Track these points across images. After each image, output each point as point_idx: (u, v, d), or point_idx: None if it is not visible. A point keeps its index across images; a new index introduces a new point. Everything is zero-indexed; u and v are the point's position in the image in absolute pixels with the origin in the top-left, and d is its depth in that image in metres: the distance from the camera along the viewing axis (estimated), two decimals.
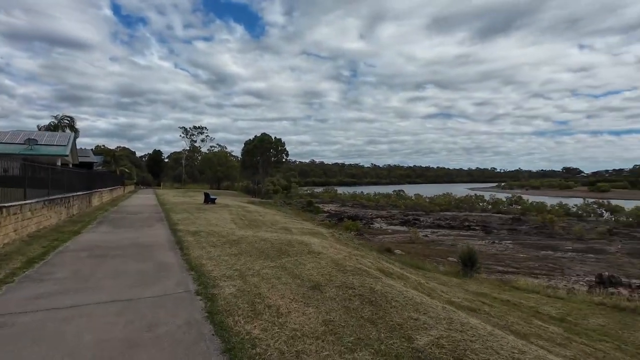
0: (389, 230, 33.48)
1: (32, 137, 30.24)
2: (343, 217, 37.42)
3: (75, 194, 15.43)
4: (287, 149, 71.08)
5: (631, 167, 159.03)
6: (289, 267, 6.18)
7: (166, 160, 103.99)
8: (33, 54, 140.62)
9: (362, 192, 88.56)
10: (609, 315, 8.09)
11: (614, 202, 49.59)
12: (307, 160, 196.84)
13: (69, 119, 44.46)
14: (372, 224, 37.30)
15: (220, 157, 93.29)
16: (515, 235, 31.39)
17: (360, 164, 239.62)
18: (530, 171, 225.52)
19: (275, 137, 70.23)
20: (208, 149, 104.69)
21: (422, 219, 40.74)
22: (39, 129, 42.56)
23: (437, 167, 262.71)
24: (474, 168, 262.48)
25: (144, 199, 29.19)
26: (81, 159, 41.86)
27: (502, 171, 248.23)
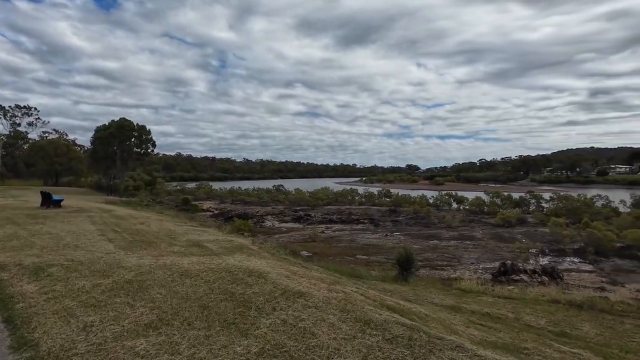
0: (283, 229, 31.24)
1: None
2: (231, 216, 33.34)
3: None
4: (153, 138, 60.98)
5: (452, 164, 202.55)
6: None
7: None
8: None
9: (239, 187, 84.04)
10: (593, 320, 7.64)
11: (454, 193, 59.68)
12: (173, 153, 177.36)
13: None
14: (263, 222, 34.40)
15: (58, 145, 74.10)
16: (399, 226, 33.41)
17: (232, 158, 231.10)
18: (383, 167, 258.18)
19: (138, 124, 59.31)
20: (39, 135, 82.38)
21: (312, 214, 39.98)
22: None
23: (307, 162, 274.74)
24: (338, 164, 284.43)
25: None
26: None
27: (361, 167, 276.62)
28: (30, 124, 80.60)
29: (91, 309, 3.81)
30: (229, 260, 6.40)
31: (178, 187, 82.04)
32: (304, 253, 20.85)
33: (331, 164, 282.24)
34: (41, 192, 16.49)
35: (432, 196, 57.12)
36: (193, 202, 47.05)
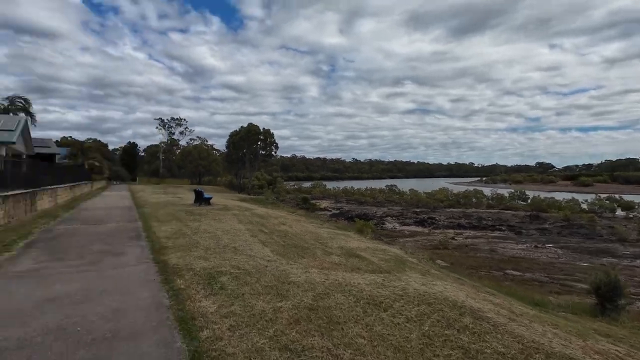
0: (406, 232, 29.13)
1: None
2: (351, 217, 32.80)
3: (2, 194, 10.02)
4: (276, 141, 65.60)
5: (599, 162, 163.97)
6: None
7: (142, 154, 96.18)
8: None
9: (351, 187, 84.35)
10: None
11: (617, 197, 47.49)
12: (289, 155, 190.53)
13: (22, 101, 37.33)
14: (383, 223, 32.89)
15: (201, 150, 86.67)
16: (550, 236, 27.71)
17: (342, 159, 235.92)
18: (505, 165, 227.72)
19: (263, 128, 64.60)
20: (187, 142, 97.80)
21: (435, 217, 36.70)
22: None
23: (417, 161, 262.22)
24: (452, 163, 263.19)
25: (115, 197, 23.52)
26: (39, 150, 35.12)
27: (479, 166, 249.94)
28: (181, 133, 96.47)
29: (287, 356, 2.82)
30: (410, 282, 5.01)
31: (295, 186, 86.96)
32: (440, 262, 18.55)
33: (444, 163, 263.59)
34: (194, 191, 18.31)
35: (586, 200, 46.83)
36: (311, 201, 48.62)
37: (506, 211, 45.29)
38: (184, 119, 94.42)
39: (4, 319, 3.60)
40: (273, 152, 66.11)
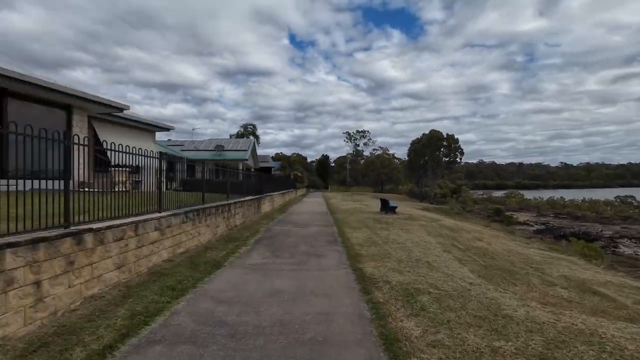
0: None
1: (220, 144, 32.75)
2: (563, 235, 26.53)
3: (240, 199, 12.99)
4: (461, 146, 61.01)
5: None
6: None
7: (332, 164, 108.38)
8: (236, 85, 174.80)
9: (560, 197, 68.55)
10: None
11: None
12: (475, 161, 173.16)
13: (252, 126, 48.70)
14: (615, 247, 25.02)
15: (383, 159, 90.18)
16: None
17: (544, 163, 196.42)
18: None
19: (447, 134, 61.35)
20: (370, 152, 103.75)
21: None
22: (230, 137, 48.01)
23: None
24: None
25: (313, 204, 27.08)
26: (261, 164, 44.82)
27: None
28: (365, 144, 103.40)
29: None
30: None
31: (484, 196, 78.14)
32: None
33: None
34: (381, 200, 18.89)
35: None
36: (505, 213, 42.31)
37: None
38: (367, 131, 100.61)
39: (244, 305, 4.38)
40: (458, 159, 61.77)
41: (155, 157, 6.59)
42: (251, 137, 48.29)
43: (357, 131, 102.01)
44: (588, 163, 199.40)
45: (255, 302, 4.49)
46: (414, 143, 65.00)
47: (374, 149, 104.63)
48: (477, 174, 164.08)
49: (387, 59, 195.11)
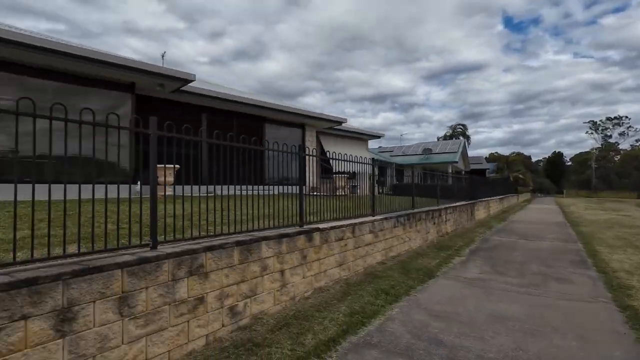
0: None
1: (428, 147, 32.24)
2: None
3: (451, 204, 12.18)
4: None
5: None
6: None
7: (568, 163, 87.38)
8: (443, 85, 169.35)
9: None
10: None
11: None
12: None
13: (461, 127, 45.61)
14: None
15: None
16: None
17: None
18: None
19: None
20: (631, 145, 77.24)
21: None
22: (437, 140, 46.60)
23: None
24: None
25: (542, 211, 22.48)
26: (473, 166, 41.23)
27: None
28: (621, 134, 78.00)
29: None
30: None
31: None
32: None
33: None
34: None
35: None
36: None
37: None
38: (625, 117, 75.83)
39: (463, 325, 3.87)
40: None
41: (367, 163, 6.98)
42: (461, 138, 45.20)
43: (608, 118, 78.52)
44: None
45: (477, 324, 3.89)
46: None
47: (636, 140, 77.36)
48: None
49: None
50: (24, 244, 2.99)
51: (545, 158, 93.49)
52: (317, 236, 4.95)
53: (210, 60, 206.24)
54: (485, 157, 60.74)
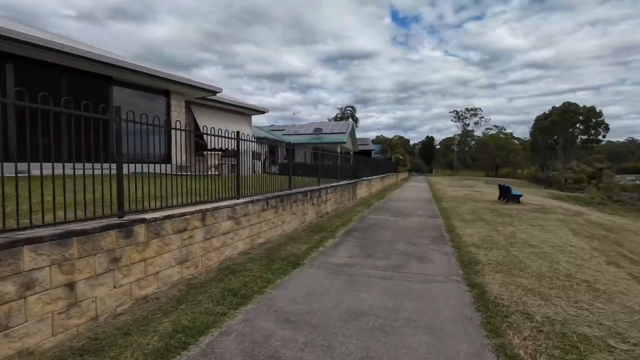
0: None
1: (319, 127, 32.59)
2: None
3: (333, 184, 12.04)
4: (605, 121, 49.24)
5: None
6: None
7: (438, 147, 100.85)
8: (338, 70, 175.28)
9: None
10: None
11: None
12: (621, 139, 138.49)
13: (350, 109, 47.72)
14: None
15: (498, 140, 79.78)
16: None
17: None
18: None
19: (584, 106, 50.23)
20: (482, 133, 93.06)
21: None
22: (328, 120, 47.98)
23: None
24: None
25: (415, 189, 24.84)
26: (361, 147, 43.63)
27: None
28: (476, 124, 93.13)
29: None
30: None
31: (637, 182, 62.69)
32: None
33: None
34: (500, 186, 15.80)
35: None
36: None
37: None
38: (479, 109, 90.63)
39: (313, 328, 3.26)
40: (601, 136, 50.05)
41: (247, 140, 5.95)
42: (350, 120, 47.34)
43: (467, 109, 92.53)
44: None
45: (330, 326, 3.31)
46: (539, 120, 55.17)
47: (487, 129, 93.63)
48: (624, 155, 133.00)
49: (505, 26, 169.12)
50: None
51: (420, 142, 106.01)
52: (140, 230, 3.74)
53: (78, 14, 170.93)
54: (372, 140, 65.31)
